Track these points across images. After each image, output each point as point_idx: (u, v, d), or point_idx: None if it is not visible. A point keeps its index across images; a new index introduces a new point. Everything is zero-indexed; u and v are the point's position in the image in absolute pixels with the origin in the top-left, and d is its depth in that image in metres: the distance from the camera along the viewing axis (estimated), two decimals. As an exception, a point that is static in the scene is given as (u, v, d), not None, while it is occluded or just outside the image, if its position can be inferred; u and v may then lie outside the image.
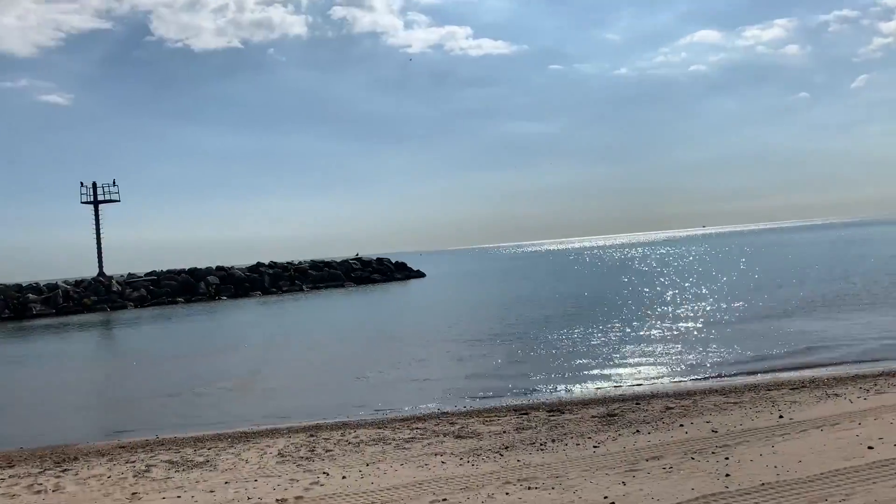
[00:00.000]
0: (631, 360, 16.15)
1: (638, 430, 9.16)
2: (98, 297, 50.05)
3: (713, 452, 7.61)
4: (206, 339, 28.56)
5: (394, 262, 64.03)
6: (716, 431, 8.71)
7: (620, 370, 15.13)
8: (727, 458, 7.28)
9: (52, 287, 50.04)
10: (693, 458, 7.42)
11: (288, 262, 59.18)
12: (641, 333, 20.15)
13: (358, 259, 62.13)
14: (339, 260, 61.32)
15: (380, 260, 63.01)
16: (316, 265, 59.38)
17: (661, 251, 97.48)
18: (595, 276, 50.37)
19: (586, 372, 15.24)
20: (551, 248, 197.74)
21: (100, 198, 55.01)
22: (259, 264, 58.42)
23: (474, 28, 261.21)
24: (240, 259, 58.28)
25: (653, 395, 12.10)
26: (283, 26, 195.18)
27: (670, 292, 32.56)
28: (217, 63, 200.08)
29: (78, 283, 51.99)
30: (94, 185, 54.79)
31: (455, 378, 15.50)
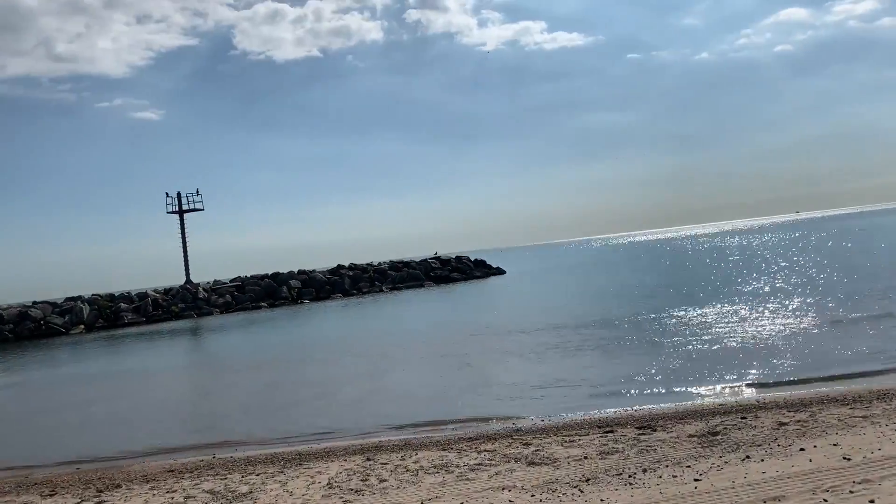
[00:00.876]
0: (731, 362, 14.37)
1: (748, 456, 7.62)
2: (185, 304, 51.23)
3: (851, 491, 6.03)
4: (289, 345, 28.24)
5: (473, 259, 62.92)
6: (848, 458, 7.07)
7: (720, 374, 13.41)
8: (872, 502, 5.70)
9: (143, 296, 51.56)
10: (825, 501, 5.87)
11: (367, 264, 59.05)
12: (741, 331, 18.20)
13: (437, 258, 61.34)
14: (418, 260, 60.72)
15: (459, 258, 62.02)
16: (395, 266, 58.98)
17: (755, 239, 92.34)
18: (686, 268, 47.67)
19: (681, 376, 13.60)
20: (637, 239, 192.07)
21: (184, 207, 56.43)
22: (339, 266, 58.54)
23: (548, 22, 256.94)
24: (322, 262, 58.94)
25: (760, 406, 10.42)
26: (360, 33, 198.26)
27: (769, 283, 30.00)
28: (298, 72, 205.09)
29: (167, 291, 53.42)
30: (179, 194, 56.30)
31: (534, 383, 14.17)
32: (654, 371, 14.36)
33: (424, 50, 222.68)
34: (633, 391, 12.85)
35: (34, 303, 50.06)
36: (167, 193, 56.45)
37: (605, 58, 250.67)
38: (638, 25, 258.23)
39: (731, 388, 12.37)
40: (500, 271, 61.86)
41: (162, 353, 31.26)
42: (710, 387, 12.58)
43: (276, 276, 55.83)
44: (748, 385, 12.46)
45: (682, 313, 22.69)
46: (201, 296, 52.39)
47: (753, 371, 13.46)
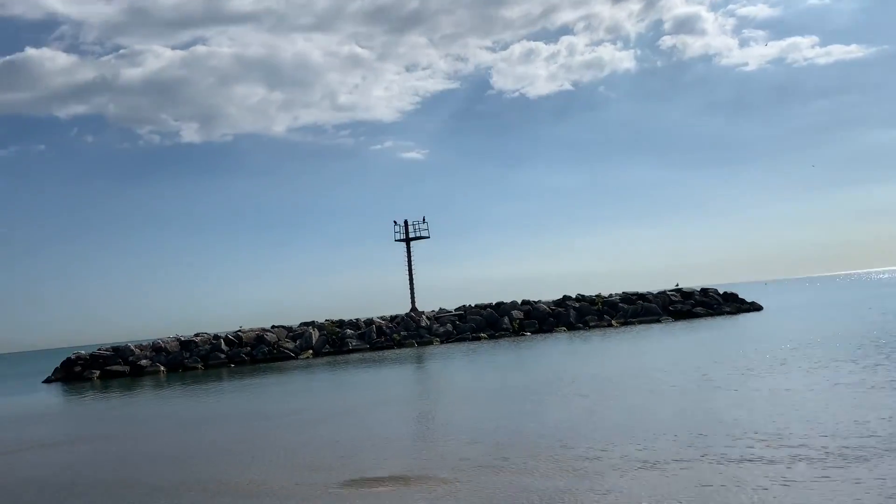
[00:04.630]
0: None
1: None
2: (408, 332, 50.12)
3: None
4: (515, 382, 24.53)
5: (722, 292, 54.69)
6: None
7: None
8: None
9: (368, 322, 51.48)
10: None
11: (596, 295, 53.76)
12: None
13: (678, 290, 54.17)
14: (655, 292, 54.08)
15: (704, 290, 54.24)
16: (628, 298, 52.98)
17: None
18: None
19: None
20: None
21: (411, 235, 55.89)
22: (565, 297, 54.02)
23: (821, 35, 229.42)
24: (557, 293, 54.82)
25: None
26: (613, 63, 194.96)
27: None
28: (550, 107, 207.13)
29: (392, 318, 52.92)
30: (406, 222, 55.89)
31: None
32: None
33: (680, 75, 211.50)
34: None
35: (273, 326, 52.15)
36: (395, 221, 56.33)
37: (889, 69, 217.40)
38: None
39: None
40: (755, 307, 52.98)
41: (387, 389, 29.20)
42: None
43: (498, 305, 52.89)
44: None
45: None
46: (424, 324, 51.02)
47: None
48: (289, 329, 51.30)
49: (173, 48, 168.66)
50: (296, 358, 46.90)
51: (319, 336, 49.33)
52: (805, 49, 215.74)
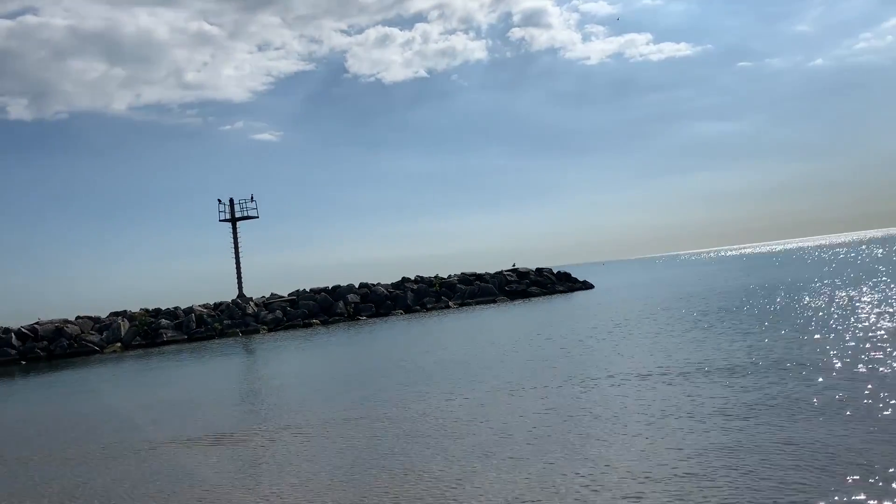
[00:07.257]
0: None
1: None
2: (232, 320, 46.43)
3: None
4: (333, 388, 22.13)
5: (556, 272, 55.32)
6: None
7: None
8: None
9: (188, 311, 47.21)
10: None
11: (434, 277, 52.56)
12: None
13: (514, 270, 54.13)
14: (492, 272, 53.70)
15: (539, 270, 54.57)
16: (466, 278, 52.20)
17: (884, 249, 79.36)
18: (819, 284, 38.45)
19: None
20: (753, 251, 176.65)
21: (237, 214, 51.88)
22: (404, 279, 52.42)
23: (654, 33, 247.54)
24: (398, 277, 52.53)
25: None
26: (465, 52, 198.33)
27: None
28: (405, 93, 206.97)
29: (216, 306, 48.92)
30: (231, 201, 51.74)
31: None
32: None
33: (528, 66, 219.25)
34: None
35: (77, 317, 46.59)
36: (219, 200, 51.81)
37: (714, 67, 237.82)
38: (748, 34, 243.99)
39: None
40: (587, 285, 54.01)
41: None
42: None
43: (334, 289, 50.32)
44: None
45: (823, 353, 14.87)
46: (250, 311, 47.50)
47: None
48: (95, 320, 46.01)
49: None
50: (101, 352, 41.99)
51: (130, 327, 44.56)
52: (640, 45, 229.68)
